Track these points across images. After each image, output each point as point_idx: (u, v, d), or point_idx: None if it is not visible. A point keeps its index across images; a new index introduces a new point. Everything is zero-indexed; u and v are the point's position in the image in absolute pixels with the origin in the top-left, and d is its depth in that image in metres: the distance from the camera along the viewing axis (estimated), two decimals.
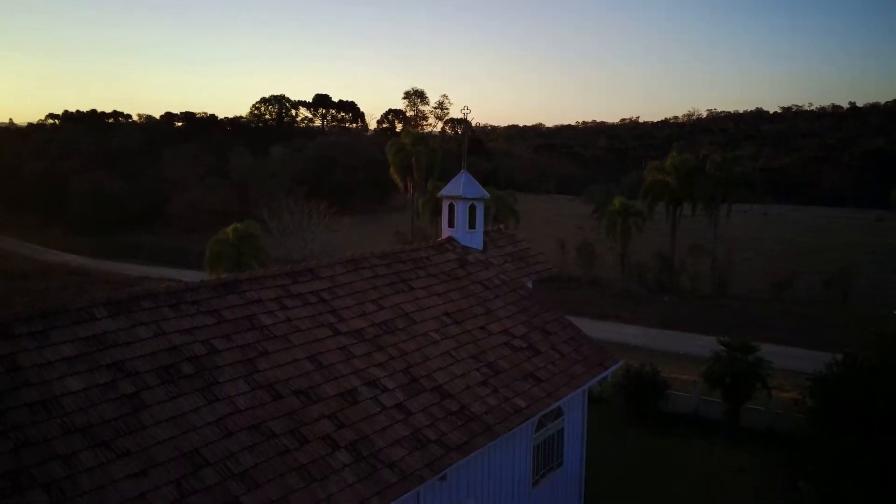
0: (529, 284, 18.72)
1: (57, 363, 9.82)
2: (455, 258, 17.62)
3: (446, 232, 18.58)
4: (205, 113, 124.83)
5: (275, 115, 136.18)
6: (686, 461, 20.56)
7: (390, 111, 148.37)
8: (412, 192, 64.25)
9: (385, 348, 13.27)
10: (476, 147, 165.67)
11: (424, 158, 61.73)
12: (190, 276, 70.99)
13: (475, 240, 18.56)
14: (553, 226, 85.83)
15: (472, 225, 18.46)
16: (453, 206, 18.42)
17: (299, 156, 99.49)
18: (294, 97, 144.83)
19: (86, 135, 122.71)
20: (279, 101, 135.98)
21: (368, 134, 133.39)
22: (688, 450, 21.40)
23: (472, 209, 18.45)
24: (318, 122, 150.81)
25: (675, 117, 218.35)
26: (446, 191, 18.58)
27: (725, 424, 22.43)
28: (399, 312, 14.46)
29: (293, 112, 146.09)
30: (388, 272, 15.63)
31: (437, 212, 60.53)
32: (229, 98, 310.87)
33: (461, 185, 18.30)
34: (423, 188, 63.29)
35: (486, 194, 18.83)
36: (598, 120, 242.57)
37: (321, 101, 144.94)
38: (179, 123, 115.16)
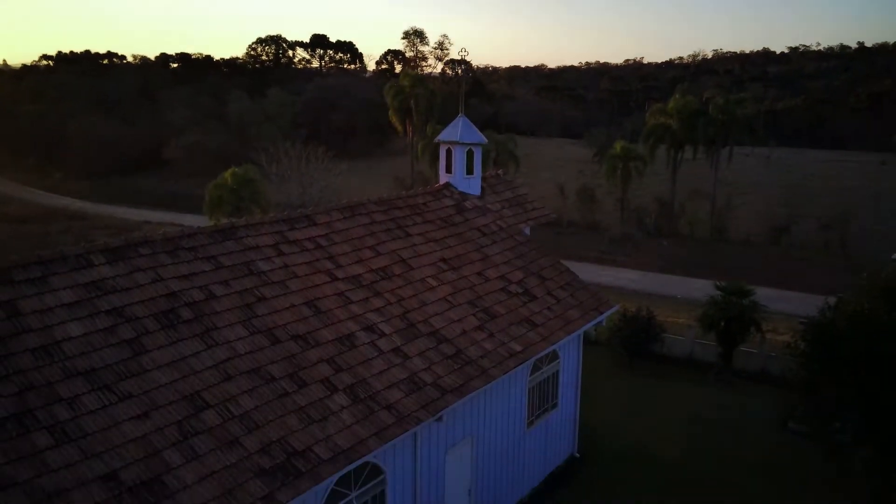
0: (527, 231, 18.75)
1: (57, 309, 9.96)
2: (452, 204, 17.62)
3: (444, 178, 18.52)
4: (200, 54, 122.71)
5: (272, 56, 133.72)
6: (679, 403, 20.98)
7: (389, 52, 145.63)
8: (411, 135, 63.62)
9: (382, 294, 13.41)
10: (477, 90, 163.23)
11: (424, 101, 60.93)
12: (190, 220, 71.19)
13: (473, 186, 18.52)
14: (554, 170, 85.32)
15: (469, 171, 18.39)
16: (451, 151, 18.31)
17: (297, 99, 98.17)
18: (291, 38, 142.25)
19: (81, 77, 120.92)
20: (276, 41, 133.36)
21: (367, 75, 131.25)
22: (681, 392, 21.82)
23: (470, 154, 18.35)
24: (315, 64, 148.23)
25: (680, 58, 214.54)
26: (444, 136, 18.44)
27: (719, 367, 22.82)
28: (396, 259, 14.55)
29: (290, 53, 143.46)
30: (385, 218, 15.66)
31: (437, 156, 60.12)
32: (225, 38, 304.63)
33: (458, 131, 18.17)
34: (422, 132, 62.65)
35: (484, 139, 18.66)
36: (602, 61, 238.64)
37: (319, 41, 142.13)
38: (175, 65, 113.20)
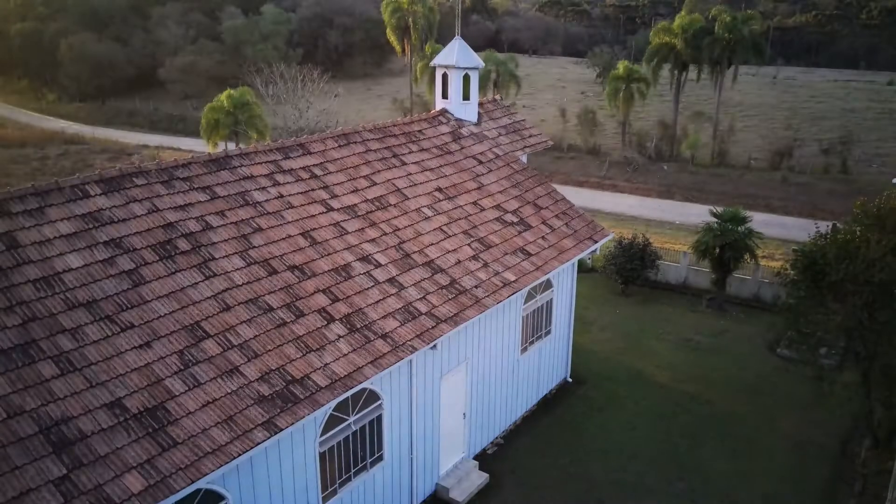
0: (524, 158, 18.65)
1: (56, 240, 10.09)
2: (448, 132, 17.48)
3: (440, 103, 18.28)
4: None
5: None
6: (672, 329, 21.42)
7: None
8: (409, 55, 62.16)
9: (378, 224, 13.51)
10: (478, 4, 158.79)
11: (422, 19, 59.22)
12: (188, 143, 70.72)
13: (469, 111, 18.30)
14: (556, 91, 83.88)
15: (466, 96, 18.12)
16: (447, 75, 18.00)
17: (293, 16, 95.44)
18: None
19: None
20: None
21: None
22: (674, 318, 22.21)
23: (467, 79, 18.04)
24: None
25: None
26: (439, 59, 18.07)
27: (713, 293, 23.14)
28: (391, 188, 14.57)
29: None
30: (380, 146, 15.58)
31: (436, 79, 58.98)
32: None
33: (454, 54, 17.80)
34: (420, 51, 61.22)
35: (481, 63, 18.27)
36: None
37: None
38: None
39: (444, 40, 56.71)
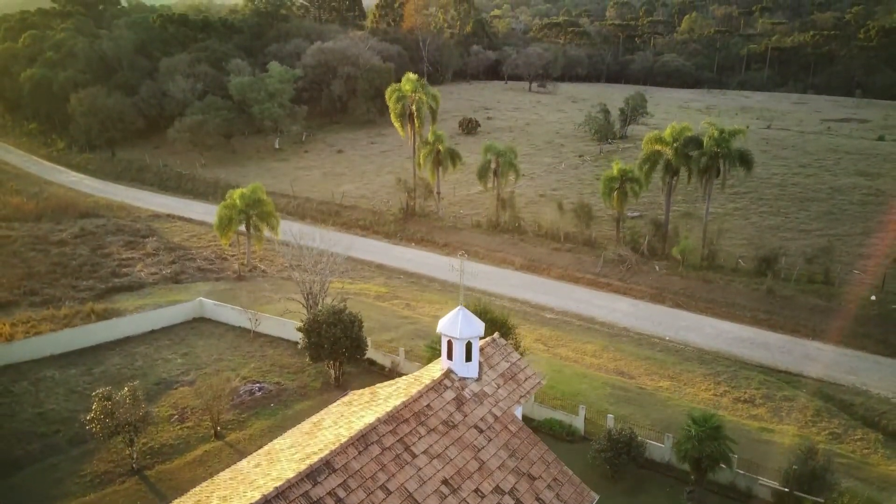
0: (520, 412, 20.95)
1: None
2: (453, 397, 19.77)
3: (445, 363, 20.55)
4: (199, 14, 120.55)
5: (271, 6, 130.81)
6: None
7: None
8: (413, 139, 64.42)
9: None
10: (478, 30, 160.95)
11: (425, 106, 61.48)
12: (198, 208, 72.85)
13: (471, 368, 20.58)
14: (553, 148, 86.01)
15: (468, 358, 20.39)
16: (451, 343, 20.28)
17: (297, 74, 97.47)
18: None
19: (76, 35, 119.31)
20: None
21: (365, 34, 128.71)
22: None
23: (469, 345, 20.31)
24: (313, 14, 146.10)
25: None
26: (444, 328, 20.30)
27: (693, 487, 25.51)
28: (405, 496, 16.86)
29: (288, 2, 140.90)
30: (394, 440, 17.85)
31: (438, 163, 61.23)
32: None
33: (458, 326, 20.03)
34: (423, 135, 63.53)
35: (481, 331, 20.48)
36: None
37: None
38: (172, 28, 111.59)
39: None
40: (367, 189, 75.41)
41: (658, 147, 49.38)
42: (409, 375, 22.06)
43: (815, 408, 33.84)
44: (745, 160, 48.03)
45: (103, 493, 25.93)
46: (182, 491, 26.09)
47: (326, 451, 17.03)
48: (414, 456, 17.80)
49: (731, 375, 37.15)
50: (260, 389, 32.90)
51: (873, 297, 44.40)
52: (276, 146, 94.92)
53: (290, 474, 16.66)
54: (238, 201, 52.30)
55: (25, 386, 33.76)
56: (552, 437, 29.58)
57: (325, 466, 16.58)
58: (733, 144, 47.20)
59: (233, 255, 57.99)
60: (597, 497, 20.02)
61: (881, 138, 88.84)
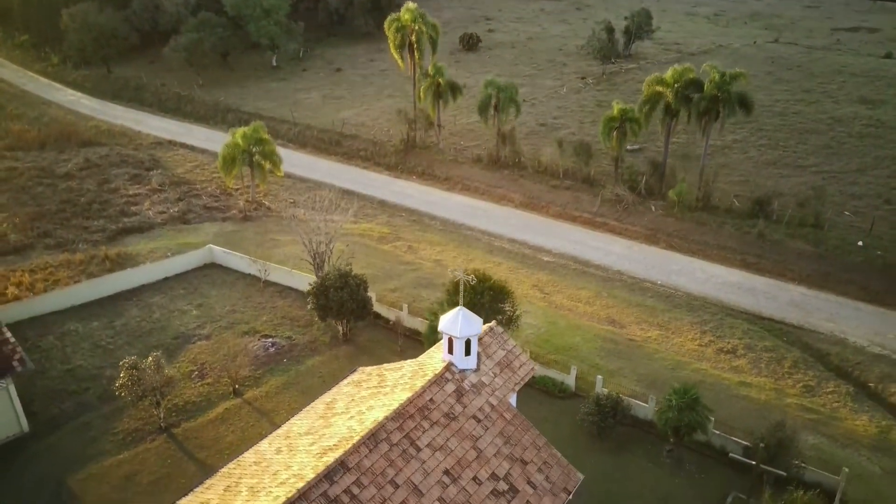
0: (514, 399, 22.99)
1: None
2: (453, 390, 21.76)
3: (446, 357, 22.39)
4: None
5: None
6: (631, 494, 26.43)
7: None
8: (413, 71, 63.79)
9: None
10: None
11: (425, 36, 60.57)
12: (199, 134, 73.12)
13: (470, 361, 22.46)
14: (556, 68, 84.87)
15: (467, 353, 22.23)
16: (452, 340, 22.04)
17: None
18: None
19: None
20: None
21: None
22: (636, 475, 27.17)
23: (468, 343, 22.09)
24: None
25: None
26: (444, 327, 21.97)
27: (671, 446, 28.04)
28: (411, 489, 19.12)
29: None
30: (400, 436, 19.94)
31: (438, 95, 61.12)
32: None
33: (458, 326, 21.70)
34: (423, 67, 62.86)
35: (479, 330, 22.14)
36: None
37: None
38: None
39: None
40: (367, 116, 75.27)
41: (658, 89, 49.39)
42: (413, 362, 23.99)
43: (793, 359, 36.08)
44: (744, 104, 48.22)
45: (136, 452, 28.50)
46: (207, 449, 28.80)
47: (340, 451, 19.13)
48: (419, 450, 19.95)
49: (717, 324, 39.24)
50: (273, 345, 35.07)
51: (860, 243, 45.90)
52: (274, 63, 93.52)
53: (309, 470, 18.89)
54: (240, 141, 52.89)
55: (52, 341, 35.91)
56: (545, 393, 32.01)
57: (340, 466, 18.72)
58: (733, 88, 47.23)
59: (237, 190, 59.07)
60: (582, 477, 22.33)
61: (888, 55, 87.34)
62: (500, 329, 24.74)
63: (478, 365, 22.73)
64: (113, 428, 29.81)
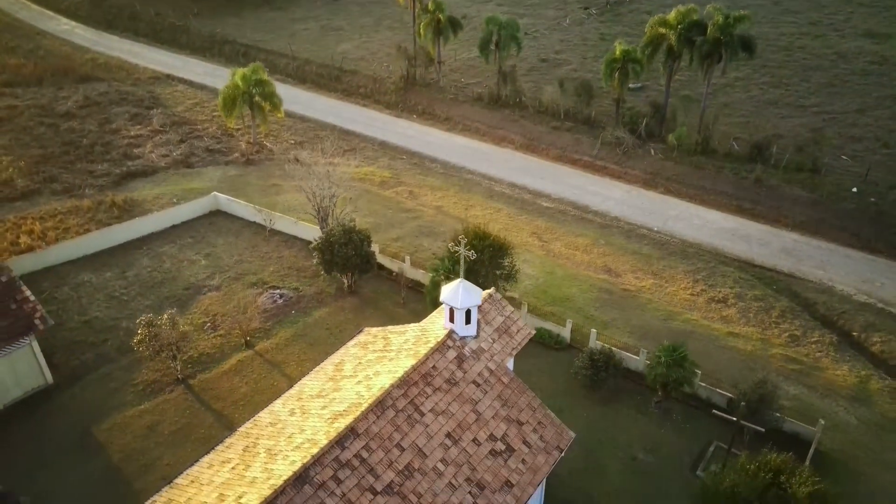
0: (511, 363, 24.42)
1: None
2: (455, 356, 23.16)
3: (447, 325, 23.68)
4: None
5: None
6: (620, 441, 28.16)
7: None
8: (413, 7, 62.57)
9: (407, 496, 19.93)
10: None
11: None
12: (197, 68, 72.39)
13: (470, 328, 23.76)
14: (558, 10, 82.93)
15: (468, 322, 23.51)
16: (453, 310, 23.27)
17: None
18: None
19: None
20: None
21: None
22: (625, 424, 28.99)
23: (468, 313, 23.33)
24: None
25: None
26: (446, 298, 23.15)
27: (659, 398, 29.76)
28: (416, 451, 20.77)
29: None
30: (405, 403, 21.45)
31: (438, 32, 60.41)
32: None
33: (458, 297, 22.88)
34: (423, 2, 61.64)
35: (480, 300, 23.32)
36: None
37: None
38: None
39: None
40: (366, 49, 74.27)
41: (661, 31, 48.84)
42: (417, 327, 25.31)
43: (781, 308, 37.50)
44: (747, 46, 47.82)
45: (156, 402, 30.28)
46: (223, 400, 30.54)
47: (350, 417, 20.66)
48: (422, 415, 21.51)
49: (710, 273, 40.48)
50: (281, 297, 36.43)
51: (854, 189, 46.57)
52: None
53: (322, 436, 20.49)
54: (240, 82, 52.73)
55: (67, 292, 37.25)
56: (542, 345, 33.55)
57: (350, 433, 20.30)
58: (737, 30, 46.75)
59: (238, 130, 59.21)
60: (573, 436, 24.02)
61: None
62: (499, 296, 25.93)
63: (477, 332, 24.04)
64: (132, 379, 31.49)
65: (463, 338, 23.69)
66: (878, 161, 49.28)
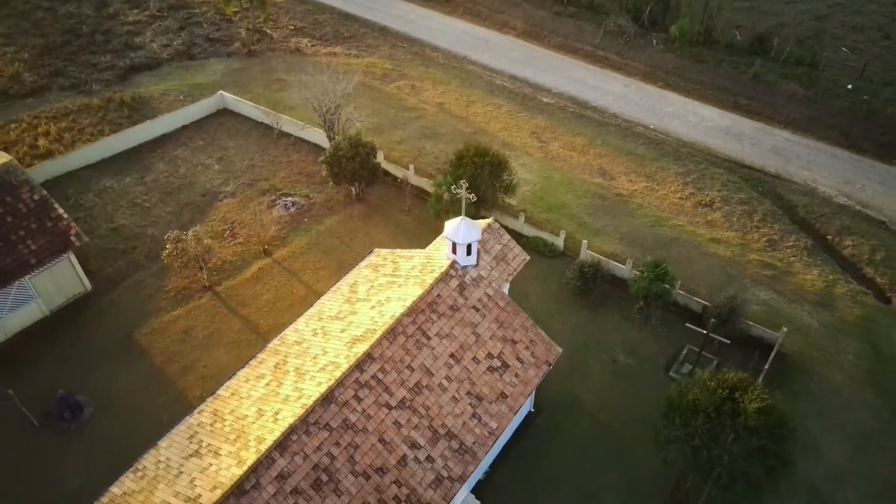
0: (507, 289, 27.24)
1: None
2: (457, 285, 26.02)
3: (450, 256, 26.27)
4: None
5: None
6: (604, 345, 31.64)
7: None
8: None
9: (417, 409, 23.55)
10: None
11: None
12: None
13: (471, 259, 26.40)
14: None
15: (468, 254, 26.10)
16: (455, 244, 25.78)
17: None
18: None
19: None
20: None
21: None
22: (609, 330, 32.35)
23: (469, 247, 25.84)
24: None
25: None
26: (449, 234, 25.56)
27: (641, 306, 32.95)
28: (424, 371, 24.15)
29: None
30: (414, 329, 24.58)
31: None
32: None
33: (461, 233, 25.31)
34: None
35: (480, 235, 25.66)
36: None
37: None
38: None
39: None
40: None
41: None
42: (423, 253, 27.92)
43: (764, 212, 39.87)
44: None
45: (188, 308, 33.54)
46: (248, 306, 33.88)
47: (367, 343, 23.86)
48: (429, 339, 24.71)
49: (700, 175, 42.44)
50: (293, 205, 38.78)
51: (849, 86, 47.30)
52: None
53: (342, 359, 23.79)
54: None
55: (92, 199, 39.52)
56: (537, 252, 36.32)
57: (367, 357, 23.58)
58: None
59: (237, 13, 58.57)
60: (560, 351, 27.33)
61: None
62: (498, 226, 28.33)
63: (477, 261, 26.72)
64: (164, 286, 34.60)
65: (464, 267, 26.39)
66: (876, 55, 49.51)
